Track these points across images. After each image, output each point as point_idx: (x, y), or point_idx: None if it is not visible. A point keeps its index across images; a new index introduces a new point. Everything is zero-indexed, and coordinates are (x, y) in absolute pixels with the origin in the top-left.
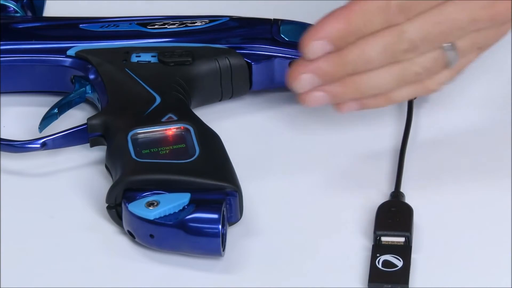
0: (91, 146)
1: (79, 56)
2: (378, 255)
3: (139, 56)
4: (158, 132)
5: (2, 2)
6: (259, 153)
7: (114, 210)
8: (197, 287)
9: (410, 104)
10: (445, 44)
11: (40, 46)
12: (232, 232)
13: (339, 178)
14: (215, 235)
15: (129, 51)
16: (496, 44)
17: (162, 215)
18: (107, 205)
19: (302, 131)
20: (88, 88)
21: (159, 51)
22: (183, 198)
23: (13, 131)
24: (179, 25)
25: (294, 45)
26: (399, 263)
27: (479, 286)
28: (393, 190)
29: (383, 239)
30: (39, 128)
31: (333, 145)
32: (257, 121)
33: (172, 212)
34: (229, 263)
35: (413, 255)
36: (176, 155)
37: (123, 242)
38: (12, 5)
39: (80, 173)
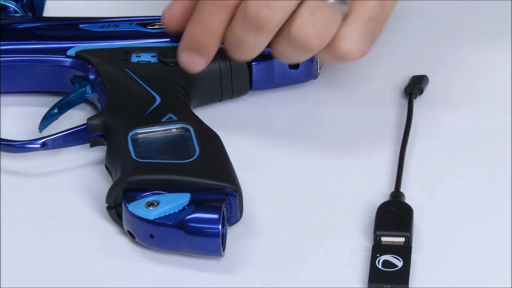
0: (91, 146)
1: (79, 56)
2: (378, 255)
3: (139, 56)
4: (158, 132)
5: (2, 2)
6: (259, 153)
7: (114, 210)
8: (197, 287)
9: (411, 104)
10: None
11: (40, 46)
12: (232, 232)
13: (339, 178)
14: (215, 235)
15: (129, 51)
16: (496, 44)
17: (162, 215)
18: (107, 205)
19: (302, 131)
20: (88, 88)
21: (159, 51)
22: (183, 198)
23: (13, 131)
24: None
25: None
26: (399, 263)
27: (479, 286)
28: (393, 190)
29: (383, 239)
30: (39, 128)
31: (333, 145)
32: (257, 121)
33: (172, 212)
34: (229, 263)
35: (413, 255)
36: (176, 155)
37: (123, 242)
38: (12, 5)
39: (80, 173)
